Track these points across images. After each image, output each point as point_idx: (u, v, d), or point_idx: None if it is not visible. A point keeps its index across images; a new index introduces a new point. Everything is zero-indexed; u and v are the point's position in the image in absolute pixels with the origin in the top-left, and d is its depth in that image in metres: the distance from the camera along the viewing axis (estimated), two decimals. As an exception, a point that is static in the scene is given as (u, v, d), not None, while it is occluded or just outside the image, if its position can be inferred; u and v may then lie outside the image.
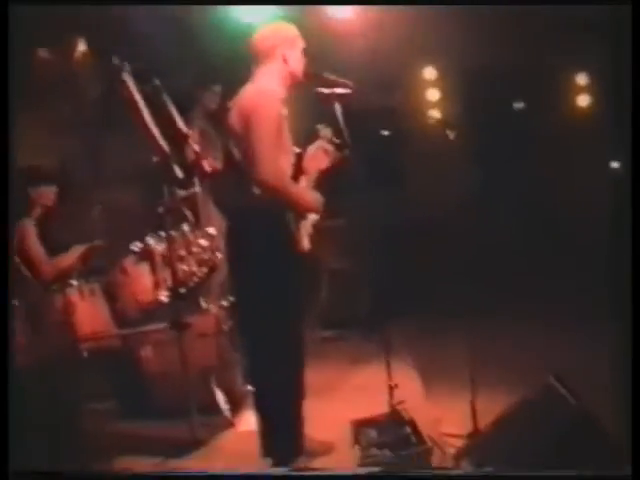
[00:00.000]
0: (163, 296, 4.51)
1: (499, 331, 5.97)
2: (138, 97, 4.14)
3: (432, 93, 9.33)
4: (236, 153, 3.69)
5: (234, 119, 3.72)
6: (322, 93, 3.99)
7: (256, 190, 3.59)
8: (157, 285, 4.56)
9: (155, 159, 4.15)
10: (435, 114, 8.99)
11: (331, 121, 4.11)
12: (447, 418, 4.53)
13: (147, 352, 4.74)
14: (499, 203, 8.66)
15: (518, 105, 9.73)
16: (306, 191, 3.93)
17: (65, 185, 5.07)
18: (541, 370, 4.01)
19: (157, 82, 4.81)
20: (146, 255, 4.57)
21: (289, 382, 3.77)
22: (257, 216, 3.64)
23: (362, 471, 3.36)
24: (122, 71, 4.14)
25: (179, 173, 4.08)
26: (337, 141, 4.03)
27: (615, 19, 3.51)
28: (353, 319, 6.44)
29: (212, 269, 4.79)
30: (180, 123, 4.91)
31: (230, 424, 4.59)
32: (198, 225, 5.05)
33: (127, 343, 4.66)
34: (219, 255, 4.56)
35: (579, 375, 4.18)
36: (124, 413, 4.79)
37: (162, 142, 4.16)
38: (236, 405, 4.72)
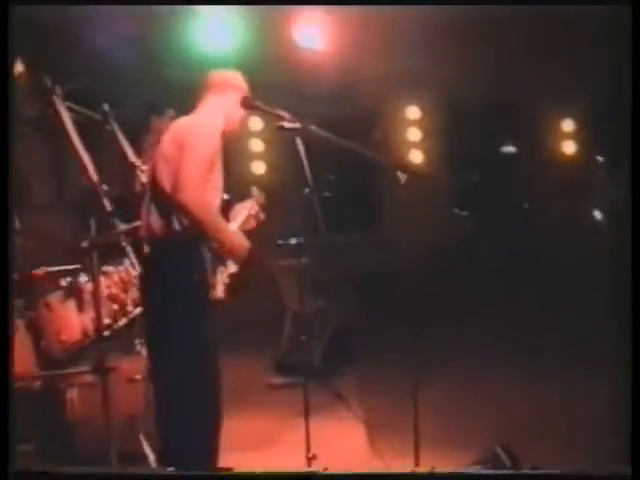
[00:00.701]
0: (90, 337, 4.20)
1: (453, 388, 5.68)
2: (68, 122, 3.87)
3: (413, 132, 9.12)
4: (163, 181, 3.46)
5: (166, 145, 3.52)
6: (283, 127, 3.76)
7: (177, 224, 3.39)
8: (84, 324, 4.25)
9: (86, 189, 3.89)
10: (415, 154, 8.78)
11: (294, 157, 3.86)
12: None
13: (72, 395, 4.40)
14: (471, 251, 8.35)
15: (507, 147, 9.55)
16: (235, 232, 3.70)
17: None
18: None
19: (106, 108, 4.58)
20: (74, 291, 4.27)
21: (201, 439, 3.47)
22: (173, 252, 3.43)
23: None
24: (53, 94, 3.88)
25: (108, 206, 3.78)
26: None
27: (615, 19, 3.41)
28: (308, 365, 6.10)
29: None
30: (129, 152, 4.66)
31: (156, 477, 4.24)
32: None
33: (51, 385, 4.32)
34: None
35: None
36: (44, 459, 4.43)
37: (92, 171, 3.87)
38: (165, 457, 4.37)
